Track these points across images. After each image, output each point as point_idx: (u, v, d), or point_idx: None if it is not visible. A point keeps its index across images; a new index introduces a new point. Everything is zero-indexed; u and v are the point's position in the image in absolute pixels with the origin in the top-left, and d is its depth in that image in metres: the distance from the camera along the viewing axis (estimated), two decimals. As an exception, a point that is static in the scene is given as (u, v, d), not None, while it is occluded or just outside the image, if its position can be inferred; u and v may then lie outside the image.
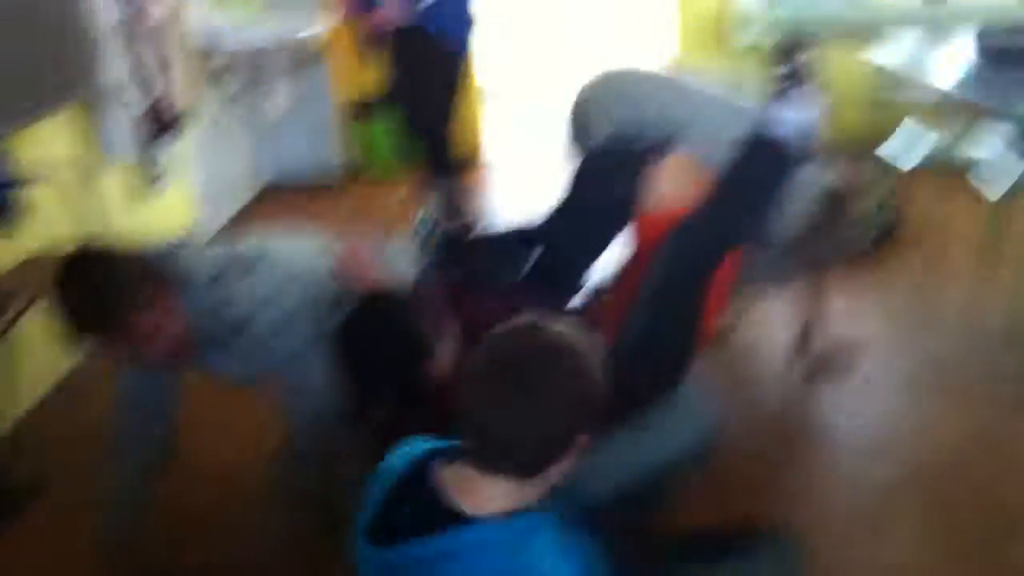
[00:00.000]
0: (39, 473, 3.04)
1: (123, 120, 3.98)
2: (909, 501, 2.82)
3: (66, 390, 3.65)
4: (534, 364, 1.55)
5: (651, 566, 2.12)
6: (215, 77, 5.45)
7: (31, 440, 3.31)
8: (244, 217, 5.73)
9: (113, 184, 4.16)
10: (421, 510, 1.62)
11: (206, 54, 5.29)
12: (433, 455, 1.69)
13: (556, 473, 1.61)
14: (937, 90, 4.27)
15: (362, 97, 6.04)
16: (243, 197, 5.93)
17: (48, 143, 3.68)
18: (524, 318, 1.63)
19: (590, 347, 1.62)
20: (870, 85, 5.34)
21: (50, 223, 3.39)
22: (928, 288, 3.90)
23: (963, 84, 4.17)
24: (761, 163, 2.98)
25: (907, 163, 4.47)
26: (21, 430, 3.36)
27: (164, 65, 4.25)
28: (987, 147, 4.35)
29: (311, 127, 6.17)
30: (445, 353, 2.37)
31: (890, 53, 4.99)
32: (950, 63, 4.54)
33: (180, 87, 4.49)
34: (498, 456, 1.58)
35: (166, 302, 2.27)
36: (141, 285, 2.22)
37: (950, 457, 2.99)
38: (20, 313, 3.24)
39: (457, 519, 1.57)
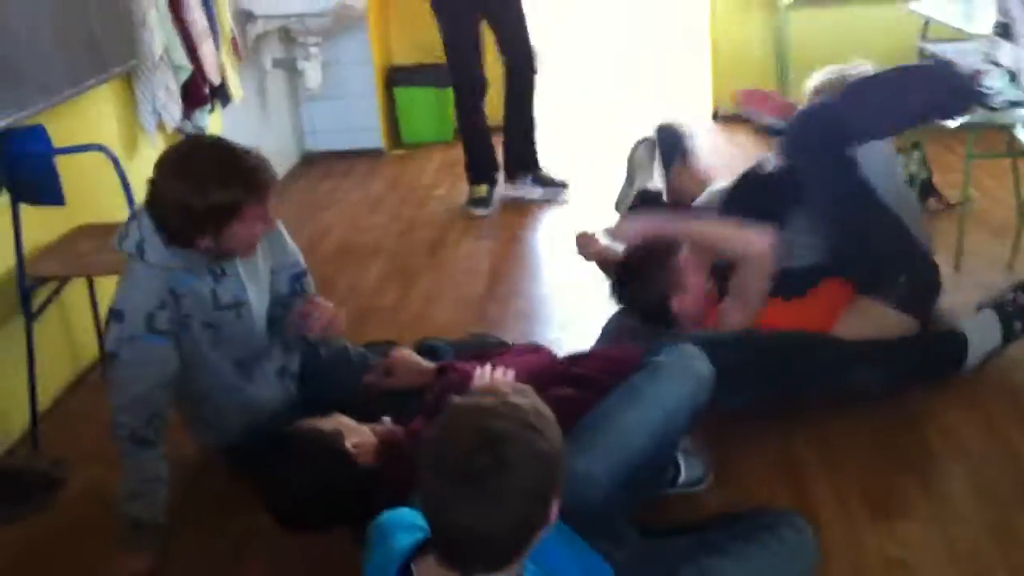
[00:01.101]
0: (62, 461, 3.05)
1: (164, 91, 4.01)
2: None
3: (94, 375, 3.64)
4: (484, 460, 1.51)
5: (673, 550, 2.14)
6: (255, 45, 5.48)
7: (56, 427, 3.32)
8: (286, 184, 5.78)
9: (155, 156, 4.21)
10: None
11: (246, 22, 5.33)
12: (410, 554, 1.68)
13: (537, 540, 1.62)
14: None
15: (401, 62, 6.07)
16: (285, 164, 5.98)
17: (90, 116, 3.73)
18: (457, 404, 1.61)
19: (539, 414, 1.59)
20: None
21: (93, 196, 3.44)
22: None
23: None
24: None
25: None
26: (50, 415, 3.37)
27: (204, 35, 4.27)
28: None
29: (352, 93, 6.18)
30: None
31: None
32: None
33: (221, 57, 4.52)
34: (472, 558, 1.58)
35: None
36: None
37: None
38: (57, 290, 3.31)
39: None
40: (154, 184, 2.49)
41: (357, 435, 2.37)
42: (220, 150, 2.49)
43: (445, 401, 1.77)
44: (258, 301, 2.76)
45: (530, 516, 1.57)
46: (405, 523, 1.77)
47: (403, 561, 1.68)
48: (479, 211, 5.05)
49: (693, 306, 3.04)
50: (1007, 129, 3.84)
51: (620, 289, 3.14)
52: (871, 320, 3.04)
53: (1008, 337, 3.06)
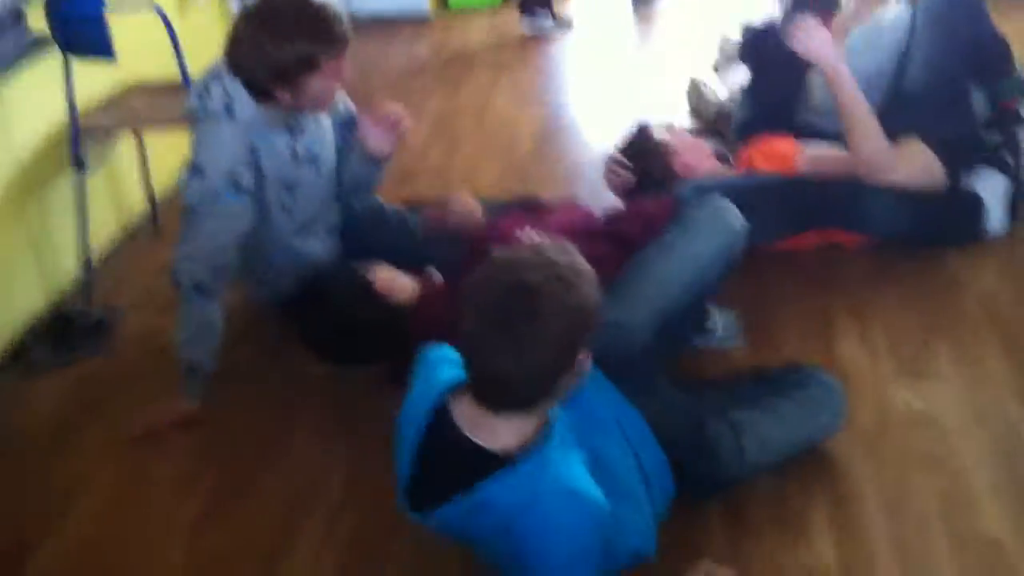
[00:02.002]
0: (114, 308, 3.17)
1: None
2: None
3: (143, 228, 3.74)
4: (518, 308, 1.58)
5: (703, 402, 2.20)
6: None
7: (106, 277, 3.40)
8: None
9: (204, 19, 4.24)
10: (448, 459, 1.72)
11: None
12: (446, 392, 1.75)
13: (564, 388, 1.69)
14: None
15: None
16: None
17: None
18: (497, 255, 1.66)
19: (574, 270, 1.64)
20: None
21: (144, 56, 3.46)
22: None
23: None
24: None
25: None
26: (100, 265, 3.45)
27: None
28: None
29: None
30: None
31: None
32: None
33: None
34: (502, 398, 1.66)
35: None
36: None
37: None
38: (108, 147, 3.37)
39: (482, 458, 1.67)
40: (235, 35, 2.51)
41: (391, 275, 2.50)
42: (299, 3, 2.49)
43: (484, 253, 1.85)
44: (328, 154, 2.83)
45: (557, 363, 1.64)
46: (450, 359, 1.84)
47: (442, 393, 1.75)
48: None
49: (696, 160, 3.19)
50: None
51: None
52: (909, 153, 3.07)
53: (1009, 172, 3.15)
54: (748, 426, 2.15)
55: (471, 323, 1.61)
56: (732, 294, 2.71)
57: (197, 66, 3.20)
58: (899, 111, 3.20)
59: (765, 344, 2.76)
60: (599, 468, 1.82)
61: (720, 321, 2.72)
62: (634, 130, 3.30)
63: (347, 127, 2.94)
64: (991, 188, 3.12)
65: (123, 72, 3.45)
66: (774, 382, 2.30)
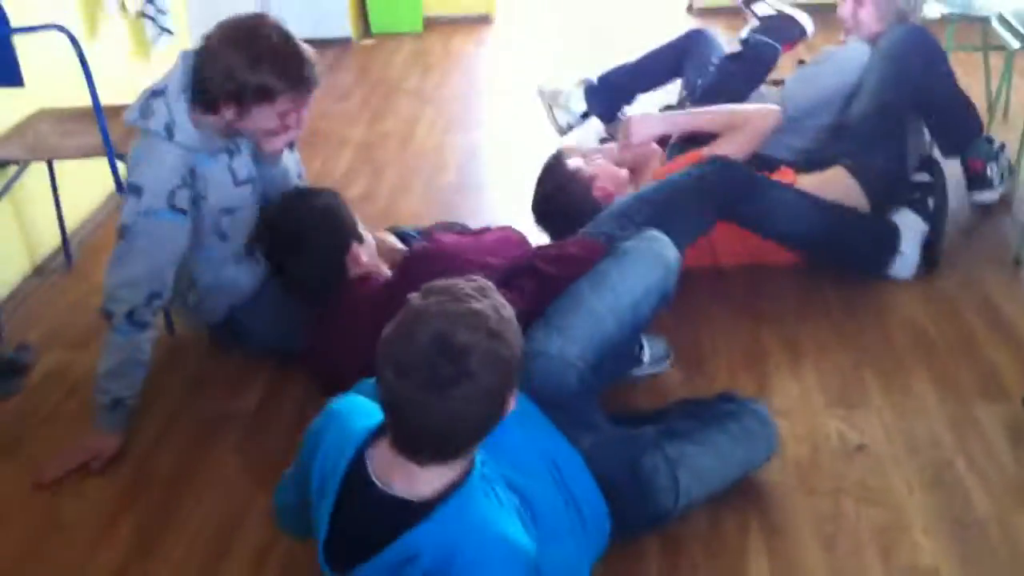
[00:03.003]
0: (27, 346, 3.04)
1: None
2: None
3: (54, 263, 3.61)
4: (448, 370, 1.50)
5: (639, 437, 2.16)
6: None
7: (17, 314, 3.29)
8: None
9: (117, 38, 4.12)
10: (368, 513, 1.64)
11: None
12: (364, 439, 1.69)
13: (489, 432, 1.63)
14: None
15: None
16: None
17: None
18: (417, 306, 1.57)
19: (501, 318, 1.58)
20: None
21: (54, 79, 3.35)
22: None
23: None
24: None
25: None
26: (10, 301, 3.33)
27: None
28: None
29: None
30: (370, 247, 2.66)
31: None
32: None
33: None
34: (428, 451, 1.59)
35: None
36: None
37: None
38: (17, 175, 3.25)
39: (402, 509, 1.60)
40: (210, 46, 2.47)
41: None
42: (282, 35, 2.47)
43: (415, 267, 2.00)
44: (257, 178, 2.78)
45: (489, 416, 1.59)
46: (363, 410, 1.78)
47: (357, 446, 1.68)
48: None
49: (614, 185, 3.19)
50: (983, 22, 3.85)
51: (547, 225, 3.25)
52: (836, 181, 3.16)
53: (928, 217, 3.17)
54: (683, 460, 2.12)
55: (394, 380, 1.53)
56: (662, 320, 2.68)
57: (109, 91, 3.12)
58: (837, 137, 3.34)
59: (697, 373, 2.75)
60: (525, 507, 1.78)
61: (649, 348, 2.70)
62: (549, 163, 3.27)
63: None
64: (910, 230, 3.13)
65: (33, 96, 3.33)
66: (708, 414, 2.28)
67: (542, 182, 3.23)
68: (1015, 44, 3.64)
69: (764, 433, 2.27)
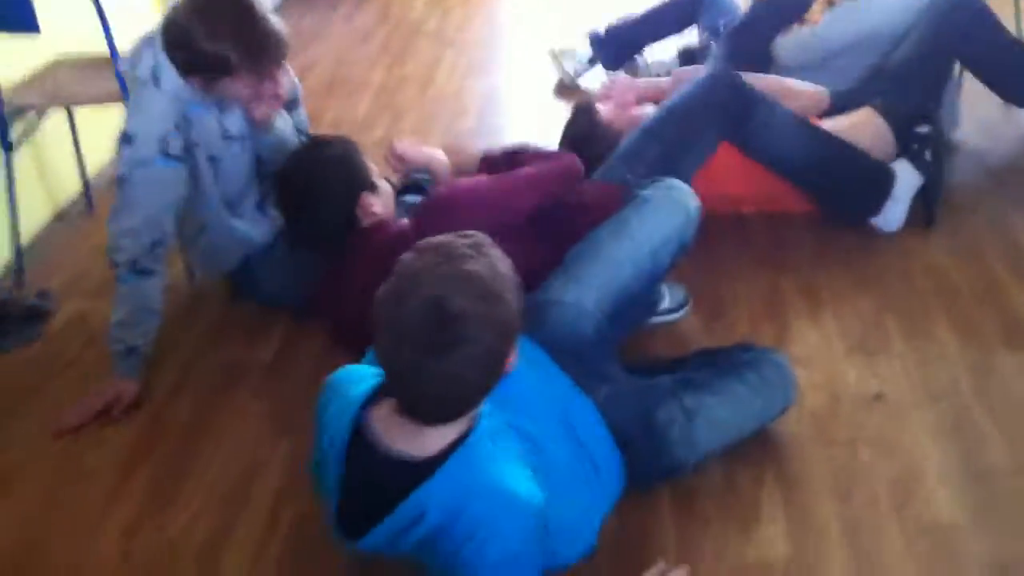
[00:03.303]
0: (47, 293, 3.07)
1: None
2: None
3: (75, 209, 3.63)
4: (444, 335, 1.50)
5: (656, 387, 2.14)
6: None
7: (39, 260, 3.30)
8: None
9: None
10: (374, 477, 1.64)
11: None
12: (364, 403, 1.68)
13: (493, 389, 1.62)
14: None
15: None
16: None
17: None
18: (411, 268, 1.56)
19: (496, 278, 1.56)
20: None
21: (71, 27, 3.31)
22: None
23: None
24: None
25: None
26: (32, 248, 3.34)
27: None
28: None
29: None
30: (385, 195, 2.63)
31: None
32: None
33: None
34: (432, 413, 1.59)
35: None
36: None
37: None
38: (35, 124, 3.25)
39: (409, 469, 1.59)
40: (173, 15, 2.45)
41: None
42: (244, 9, 2.42)
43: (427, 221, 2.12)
44: (252, 137, 2.74)
45: (488, 377, 1.59)
46: (357, 377, 1.77)
47: (359, 406, 1.68)
48: None
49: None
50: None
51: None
52: (864, 122, 3.12)
53: (924, 170, 3.06)
54: (700, 411, 2.10)
55: (391, 346, 1.53)
56: (681, 268, 2.64)
57: (127, 37, 3.09)
58: (872, 80, 3.28)
59: (716, 322, 2.72)
60: (535, 454, 1.77)
61: (669, 295, 2.68)
62: (580, 111, 3.23)
63: (291, 105, 2.89)
64: (904, 181, 3.03)
65: (49, 45, 3.32)
66: (725, 363, 2.25)
67: (571, 129, 3.21)
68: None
69: (782, 383, 2.25)
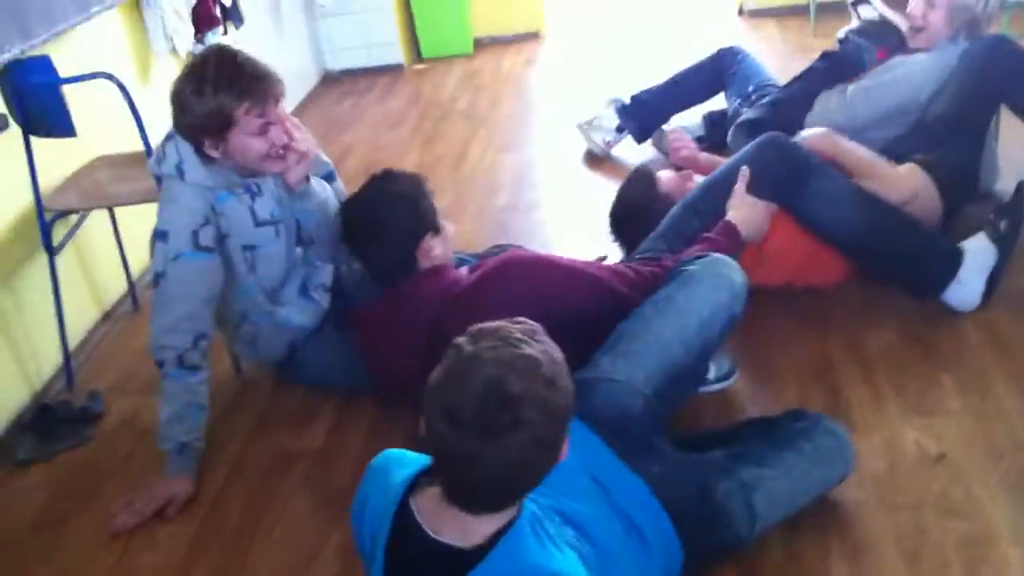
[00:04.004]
0: (97, 394, 3.09)
1: (173, 14, 3.94)
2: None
3: (121, 307, 3.66)
4: (501, 418, 1.47)
5: (709, 463, 2.11)
6: (266, -36, 5.38)
7: (88, 362, 3.34)
8: (306, 105, 5.72)
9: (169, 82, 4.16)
10: (420, 566, 1.62)
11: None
12: (407, 487, 1.66)
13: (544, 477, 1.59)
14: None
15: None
16: (305, 85, 5.90)
17: (100, 43, 3.68)
18: (468, 352, 1.54)
19: (553, 364, 1.54)
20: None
21: (107, 127, 3.39)
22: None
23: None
24: None
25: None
26: (81, 350, 3.38)
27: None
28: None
29: (369, 7, 6.04)
30: (447, 239, 2.62)
31: None
32: None
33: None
34: (480, 501, 1.56)
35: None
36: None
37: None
38: (78, 223, 3.29)
39: (454, 558, 1.56)
40: (171, 92, 2.50)
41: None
42: (222, 57, 2.47)
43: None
44: (290, 217, 2.75)
45: (542, 464, 1.56)
46: (399, 462, 1.76)
47: (402, 494, 1.66)
48: None
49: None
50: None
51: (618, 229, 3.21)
52: (909, 176, 3.06)
53: (998, 241, 2.90)
54: (757, 484, 2.06)
55: (444, 427, 1.50)
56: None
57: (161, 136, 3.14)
58: (915, 137, 3.23)
59: (764, 389, 2.69)
60: (582, 537, 1.74)
61: (715, 365, 2.64)
62: (639, 178, 3.20)
63: (327, 178, 2.89)
64: (977, 257, 2.85)
65: (88, 144, 3.37)
66: (779, 433, 2.21)
67: (627, 193, 3.20)
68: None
69: (840, 450, 2.20)
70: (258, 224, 2.66)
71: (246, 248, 2.67)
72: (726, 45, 4.17)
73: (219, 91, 2.42)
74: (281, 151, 2.56)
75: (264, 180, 2.65)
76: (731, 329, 2.35)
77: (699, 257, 2.41)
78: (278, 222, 2.70)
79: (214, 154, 2.51)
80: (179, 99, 2.46)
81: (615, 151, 4.30)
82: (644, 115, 4.20)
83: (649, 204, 3.08)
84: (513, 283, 2.43)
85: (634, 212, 3.09)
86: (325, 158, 2.93)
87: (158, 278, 2.55)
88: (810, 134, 3.18)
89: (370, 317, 2.62)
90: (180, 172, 2.53)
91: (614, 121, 4.26)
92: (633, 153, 4.24)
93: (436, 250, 2.56)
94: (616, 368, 2.15)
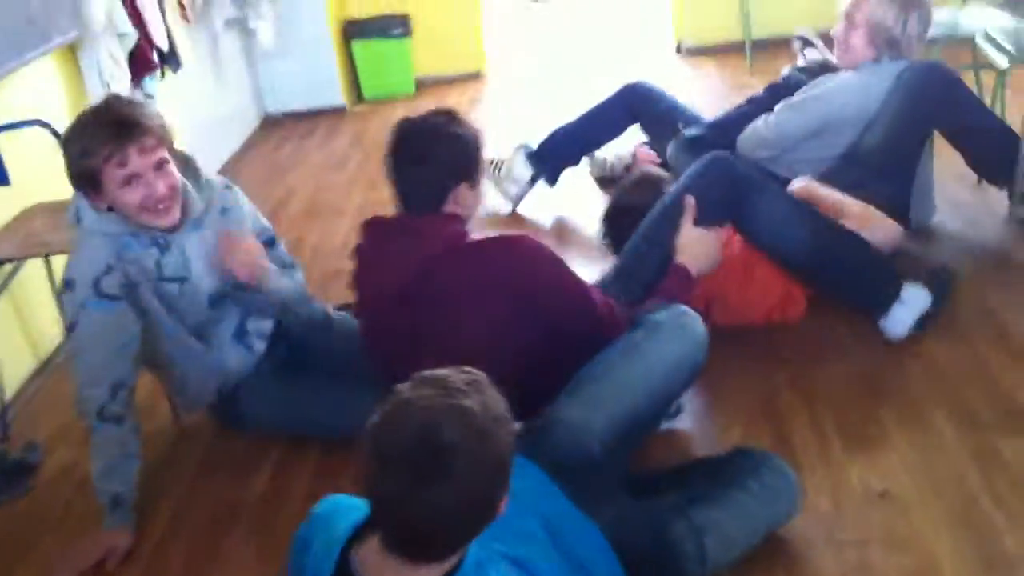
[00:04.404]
0: (34, 446, 3.02)
1: (110, 60, 3.91)
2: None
3: (59, 354, 3.58)
4: (431, 467, 1.45)
5: (661, 506, 2.11)
6: (205, 6, 5.35)
7: (24, 413, 3.27)
8: (249, 148, 5.69)
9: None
10: None
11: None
12: (348, 539, 1.64)
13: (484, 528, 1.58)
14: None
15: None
16: (246, 128, 5.88)
17: (35, 90, 3.64)
18: (404, 398, 1.53)
19: (490, 415, 1.52)
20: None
21: (43, 174, 3.34)
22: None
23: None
24: None
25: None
26: (16, 400, 3.31)
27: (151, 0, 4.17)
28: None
29: (309, 50, 6.05)
30: (478, 198, 2.55)
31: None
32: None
33: (168, 21, 4.41)
34: (417, 551, 1.54)
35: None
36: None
37: None
38: (13, 272, 3.23)
39: None
40: None
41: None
42: (98, 107, 2.45)
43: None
44: (206, 277, 2.67)
45: (475, 518, 1.54)
46: (341, 507, 1.73)
47: (342, 548, 1.63)
48: None
49: None
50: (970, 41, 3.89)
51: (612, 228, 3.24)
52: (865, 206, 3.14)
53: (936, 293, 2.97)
54: (710, 527, 2.06)
55: (379, 473, 1.48)
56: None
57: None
58: (848, 167, 3.30)
59: (711, 426, 2.69)
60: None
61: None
62: (645, 182, 3.23)
63: (268, 244, 2.87)
64: (915, 299, 2.93)
65: (23, 192, 3.33)
66: (727, 473, 2.22)
67: (632, 198, 3.20)
68: (1004, 63, 3.62)
69: (786, 488, 2.21)
70: (162, 278, 2.60)
71: (156, 295, 2.61)
72: (631, 81, 4.17)
73: (81, 141, 2.39)
74: (163, 204, 2.49)
75: (175, 237, 2.58)
76: (693, 379, 2.39)
77: (664, 306, 2.42)
78: (184, 280, 2.63)
79: (101, 207, 2.48)
80: (64, 156, 2.44)
81: (523, 207, 4.27)
82: (556, 158, 4.19)
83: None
84: (514, 259, 2.35)
85: (637, 216, 3.04)
86: (265, 222, 2.91)
87: (69, 329, 2.51)
88: (793, 185, 3.26)
89: (373, 237, 2.56)
90: (78, 219, 2.51)
91: (525, 170, 4.20)
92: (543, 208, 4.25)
93: (467, 200, 2.48)
94: (576, 412, 2.15)
